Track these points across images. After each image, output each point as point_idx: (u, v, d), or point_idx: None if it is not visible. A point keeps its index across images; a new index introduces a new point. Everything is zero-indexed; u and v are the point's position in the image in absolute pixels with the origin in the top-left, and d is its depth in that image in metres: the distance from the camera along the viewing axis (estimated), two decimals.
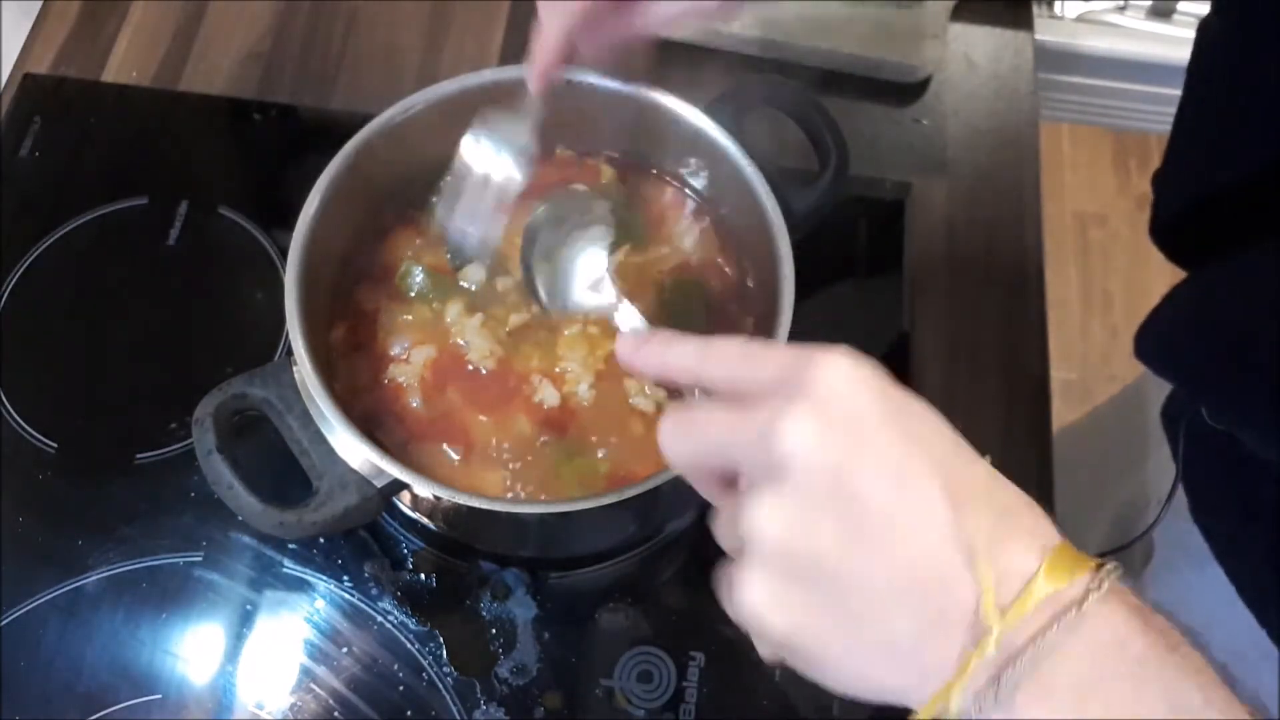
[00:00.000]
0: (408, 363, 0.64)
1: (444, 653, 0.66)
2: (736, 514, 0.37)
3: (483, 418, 0.63)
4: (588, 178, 0.70)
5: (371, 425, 0.62)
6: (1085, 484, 0.87)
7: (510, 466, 0.62)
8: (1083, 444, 0.97)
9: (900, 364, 0.75)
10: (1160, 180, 0.67)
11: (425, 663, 0.65)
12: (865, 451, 0.34)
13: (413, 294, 0.66)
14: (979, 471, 0.36)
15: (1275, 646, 0.61)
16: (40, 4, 0.88)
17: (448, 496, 0.56)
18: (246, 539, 0.68)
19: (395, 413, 0.63)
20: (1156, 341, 0.61)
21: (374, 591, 0.67)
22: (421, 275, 0.65)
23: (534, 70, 0.59)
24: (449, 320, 0.65)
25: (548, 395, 0.63)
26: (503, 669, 0.65)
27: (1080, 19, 1.65)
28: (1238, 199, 0.61)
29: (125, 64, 0.86)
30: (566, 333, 0.64)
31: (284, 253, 0.61)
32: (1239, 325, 0.54)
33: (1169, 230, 0.67)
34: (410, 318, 0.65)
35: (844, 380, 0.35)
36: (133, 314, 0.76)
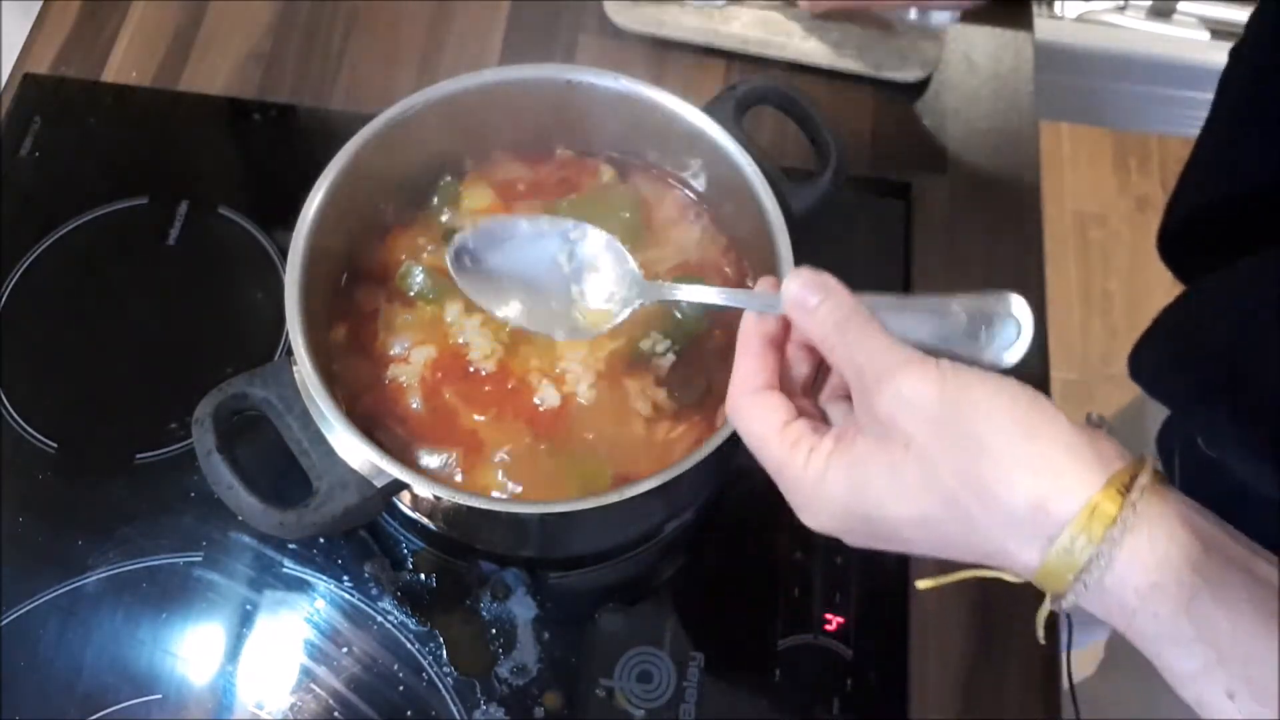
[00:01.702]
0: (408, 363, 0.64)
1: (444, 653, 0.66)
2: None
3: (483, 418, 0.63)
4: (587, 177, 0.70)
5: (371, 425, 0.61)
6: None
7: (510, 467, 0.62)
8: None
9: None
10: (1176, 192, 0.67)
11: (425, 663, 0.65)
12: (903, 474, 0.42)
13: (413, 294, 0.66)
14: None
15: None
16: (40, 4, 0.88)
17: (448, 496, 0.56)
18: (246, 539, 0.68)
19: (395, 413, 0.63)
20: (1149, 363, 0.61)
21: (374, 591, 0.67)
22: (421, 275, 0.65)
23: None
24: (449, 320, 0.65)
25: (548, 395, 0.63)
26: (503, 669, 0.65)
27: (1080, 19, 1.65)
28: (1246, 215, 0.61)
29: (125, 64, 0.86)
30: None
31: (284, 253, 0.61)
32: (1228, 347, 0.53)
33: (1176, 244, 0.67)
34: (410, 318, 0.65)
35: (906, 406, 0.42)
36: (133, 314, 0.76)
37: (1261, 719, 0.36)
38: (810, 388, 0.49)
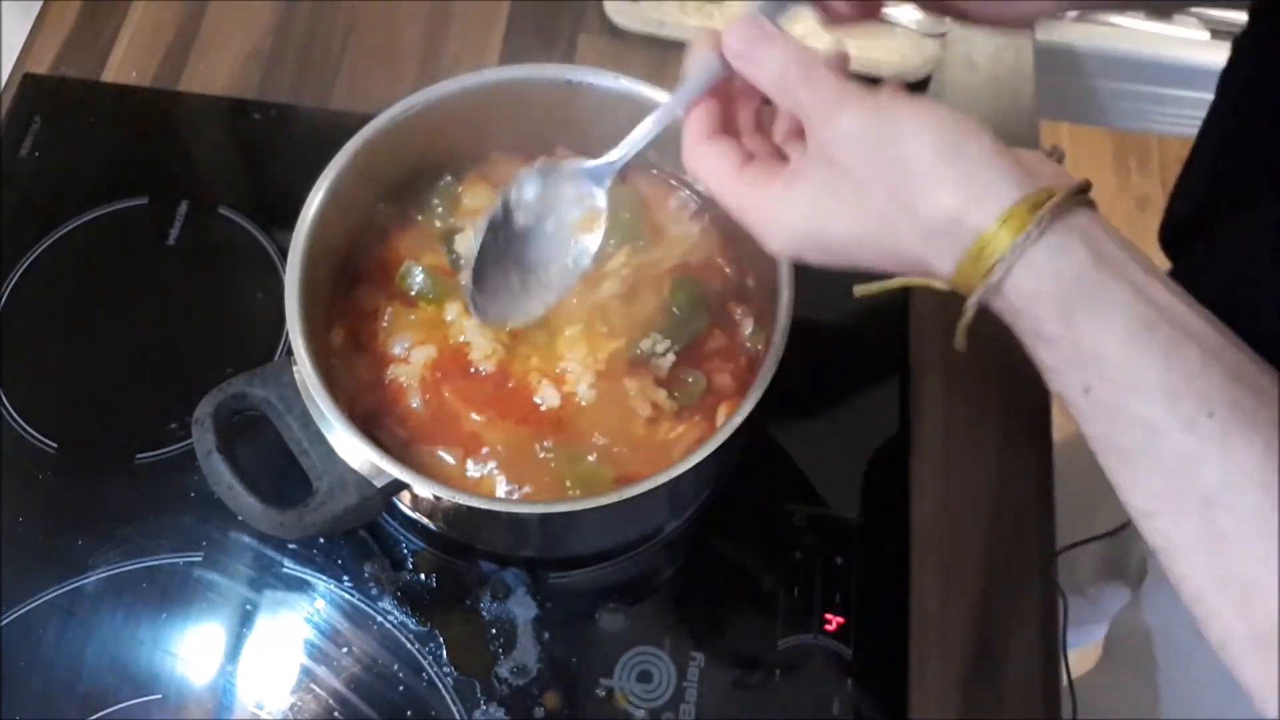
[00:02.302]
0: (408, 363, 0.64)
1: (444, 653, 0.66)
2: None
3: (482, 418, 0.63)
4: None
5: (371, 426, 0.61)
6: (1083, 495, 0.87)
7: (510, 467, 0.62)
8: (1081, 460, 0.97)
9: (900, 364, 0.75)
10: (1178, 185, 0.67)
11: (425, 663, 0.65)
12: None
13: (413, 294, 0.66)
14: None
15: None
16: (40, 4, 0.88)
17: (448, 496, 0.56)
18: (246, 539, 0.68)
19: (396, 413, 0.63)
20: None
21: (374, 591, 0.67)
22: (421, 275, 0.65)
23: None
24: (449, 320, 0.65)
25: (548, 396, 0.63)
26: (503, 669, 0.65)
27: (1080, 19, 1.65)
28: (1248, 210, 0.60)
29: (125, 64, 0.86)
30: (567, 333, 0.64)
31: (284, 253, 0.61)
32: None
33: (1177, 237, 0.66)
34: (410, 318, 0.65)
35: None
36: (133, 314, 0.76)
37: (1100, 405, 0.42)
38: (759, 126, 0.52)
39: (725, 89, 0.51)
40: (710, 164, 0.50)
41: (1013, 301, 0.43)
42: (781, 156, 0.51)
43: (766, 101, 0.51)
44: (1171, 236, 0.67)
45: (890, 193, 0.44)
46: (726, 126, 0.51)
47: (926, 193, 0.43)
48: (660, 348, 0.64)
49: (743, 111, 0.52)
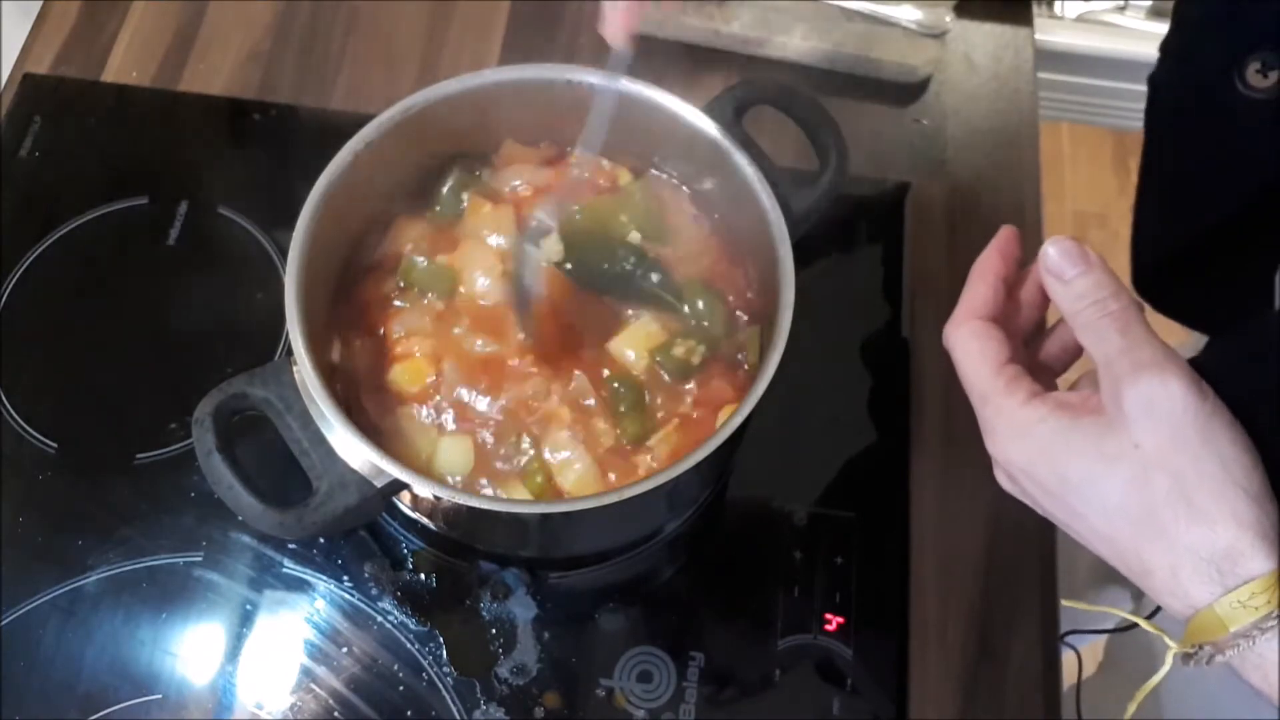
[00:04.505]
0: (410, 359, 0.64)
1: (444, 653, 0.66)
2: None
3: (485, 414, 0.63)
4: (603, 179, 0.70)
5: (372, 424, 0.61)
6: None
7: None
8: None
9: (900, 365, 0.75)
10: (1135, 234, 0.67)
11: (425, 663, 0.65)
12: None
13: (415, 291, 0.65)
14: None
15: None
16: (40, 4, 0.88)
17: (448, 496, 0.56)
18: (246, 539, 0.68)
19: (396, 410, 0.63)
20: None
21: (374, 591, 0.67)
22: (424, 263, 0.65)
23: (615, 18, 0.55)
24: (449, 316, 0.65)
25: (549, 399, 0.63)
26: (503, 669, 0.65)
27: (1080, 19, 1.65)
28: (1212, 248, 0.60)
29: (125, 64, 0.86)
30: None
31: (284, 253, 0.61)
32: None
33: (1150, 284, 0.66)
34: (413, 315, 0.65)
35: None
36: (133, 314, 0.76)
37: None
38: (1028, 338, 0.50)
39: (1015, 279, 0.49)
40: (973, 345, 0.47)
41: (1261, 664, 0.40)
42: (1039, 369, 0.49)
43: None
44: (1147, 284, 0.67)
45: (1177, 490, 0.41)
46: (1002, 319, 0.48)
47: (1218, 511, 0.40)
48: (696, 359, 0.64)
49: (1023, 316, 0.50)
